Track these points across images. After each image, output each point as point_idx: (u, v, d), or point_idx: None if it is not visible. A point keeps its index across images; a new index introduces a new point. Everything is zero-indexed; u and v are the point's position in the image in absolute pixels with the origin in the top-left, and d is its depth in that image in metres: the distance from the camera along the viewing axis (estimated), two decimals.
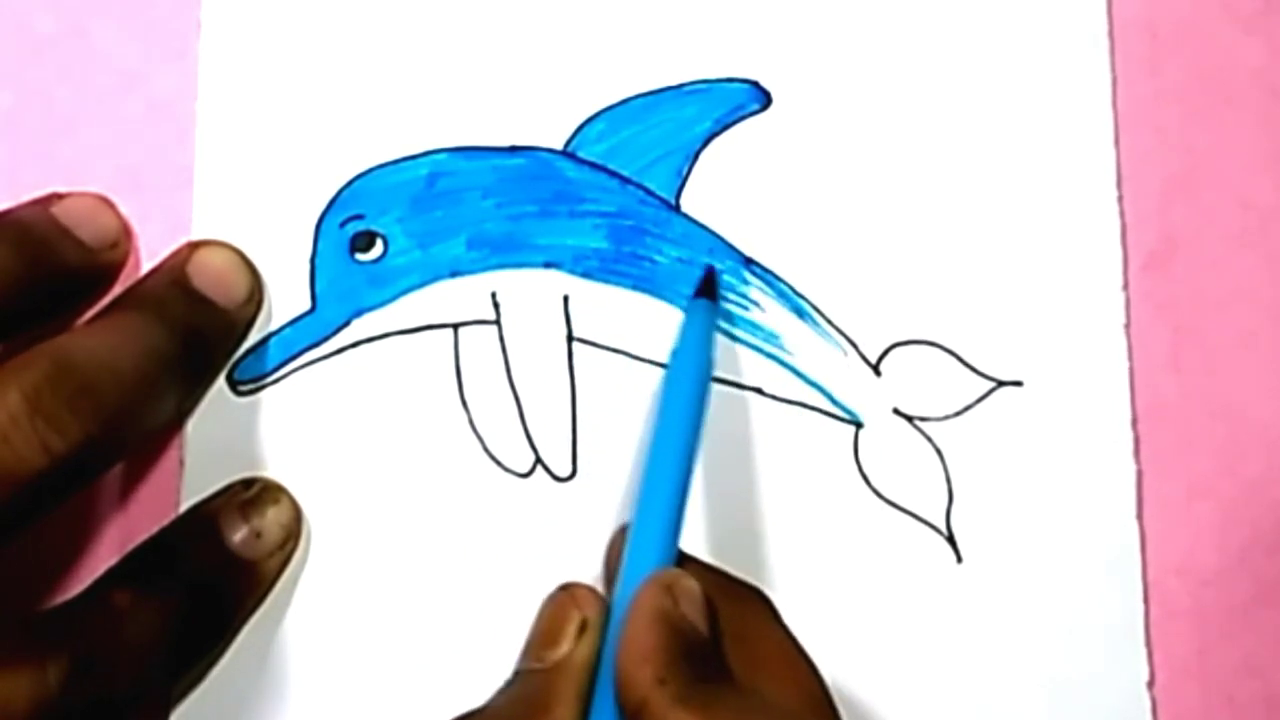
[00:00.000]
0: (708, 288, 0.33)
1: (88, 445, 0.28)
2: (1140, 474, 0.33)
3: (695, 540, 0.33)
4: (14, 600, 0.32)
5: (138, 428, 0.30)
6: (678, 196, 0.34)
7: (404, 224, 0.34)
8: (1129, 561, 0.33)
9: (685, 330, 0.33)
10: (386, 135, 0.34)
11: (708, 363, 0.32)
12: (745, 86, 0.34)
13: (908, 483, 0.33)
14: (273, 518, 0.32)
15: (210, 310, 0.32)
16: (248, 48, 0.34)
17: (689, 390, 0.31)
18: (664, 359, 0.34)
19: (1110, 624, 0.33)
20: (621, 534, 0.32)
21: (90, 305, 0.32)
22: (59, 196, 0.32)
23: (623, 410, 0.33)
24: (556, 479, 0.33)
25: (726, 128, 0.34)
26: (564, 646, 0.30)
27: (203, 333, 0.32)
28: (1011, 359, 0.34)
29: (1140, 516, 0.33)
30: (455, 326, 0.34)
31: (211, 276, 0.33)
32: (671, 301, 0.34)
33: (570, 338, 0.34)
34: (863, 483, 0.33)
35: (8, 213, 0.31)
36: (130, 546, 0.32)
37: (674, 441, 0.31)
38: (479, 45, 0.34)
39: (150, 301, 0.32)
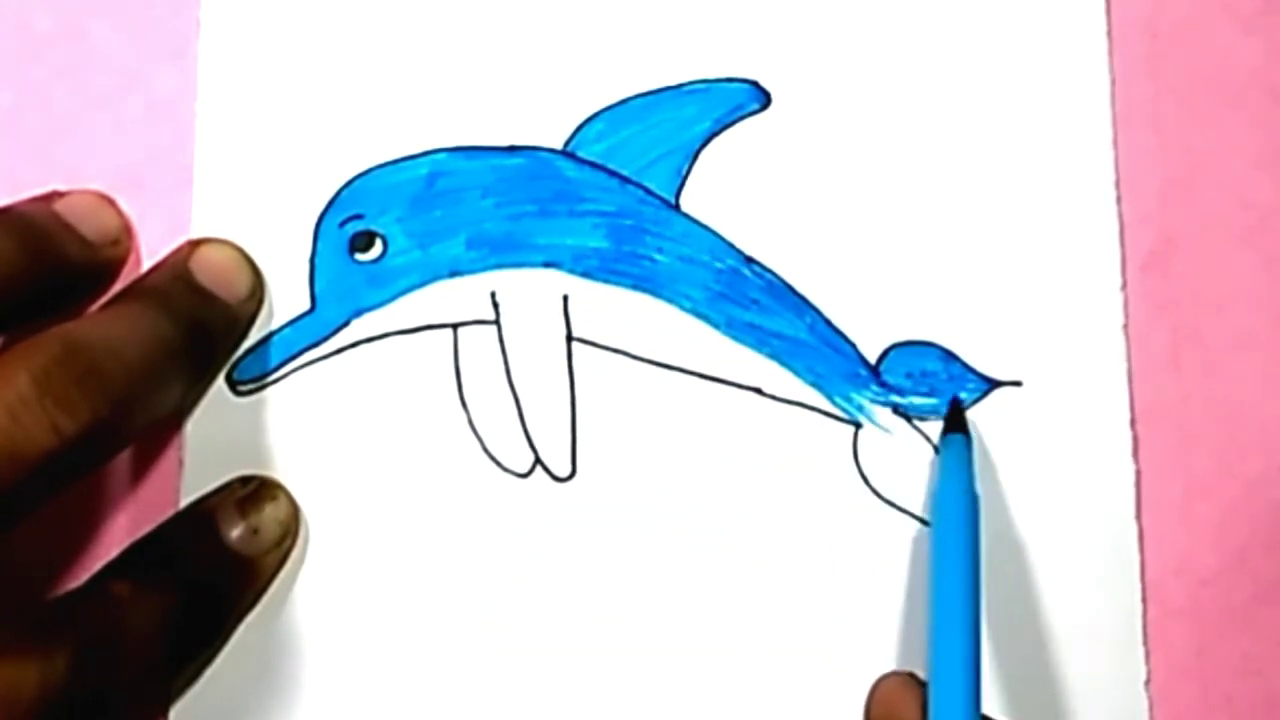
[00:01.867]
0: (957, 420, 0.33)
1: (96, 427, 0.28)
2: (1139, 474, 0.33)
3: (697, 541, 0.33)
4: (19, 590, 0.33)
5: (144, 414, 0.30)
6: (677, 196, 0.34)
7: (403, 224, 0.34)
8: (1128, 561, 0.33)
9: (944, 470, 0.32)
10: (386, 135, 0.34)
11: (974, 501, 0.31)
12: (745, 86, 0.34)
13: (907, 483, 0.33)
14: (270, 515, 0.32)
15: (213, 304, 0.32)
16: (247, 47, 0.34)
17: (962, 533, 0.30)
18: (663, 358, 0.34)
19: (1109, 624, 0.33)
20: (885, 683, 0.32)
21: (92, 302, 0.33)
22: (60, 194, 0.33)
23: (623, 410, 0.33)
24: (556, 479, 0.33)
25: (726, 127, 0.34)
26: None
27: (206, 325, 0.32)
28: (1011, 359, 0.34)
29: (1139, 516, 0.33)
30: (455, 326, 0.34)
31: (214, 272, 0.33)
32: (671, 301, 0.34)
33: (570, 337, 0.34)
34: (862, 483, 0.33)
35: (10, 207, 0.31)
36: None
37: (958, 593, 0.30)
38: (479, 45, 0.34)
39: (155, 293, 0.32)
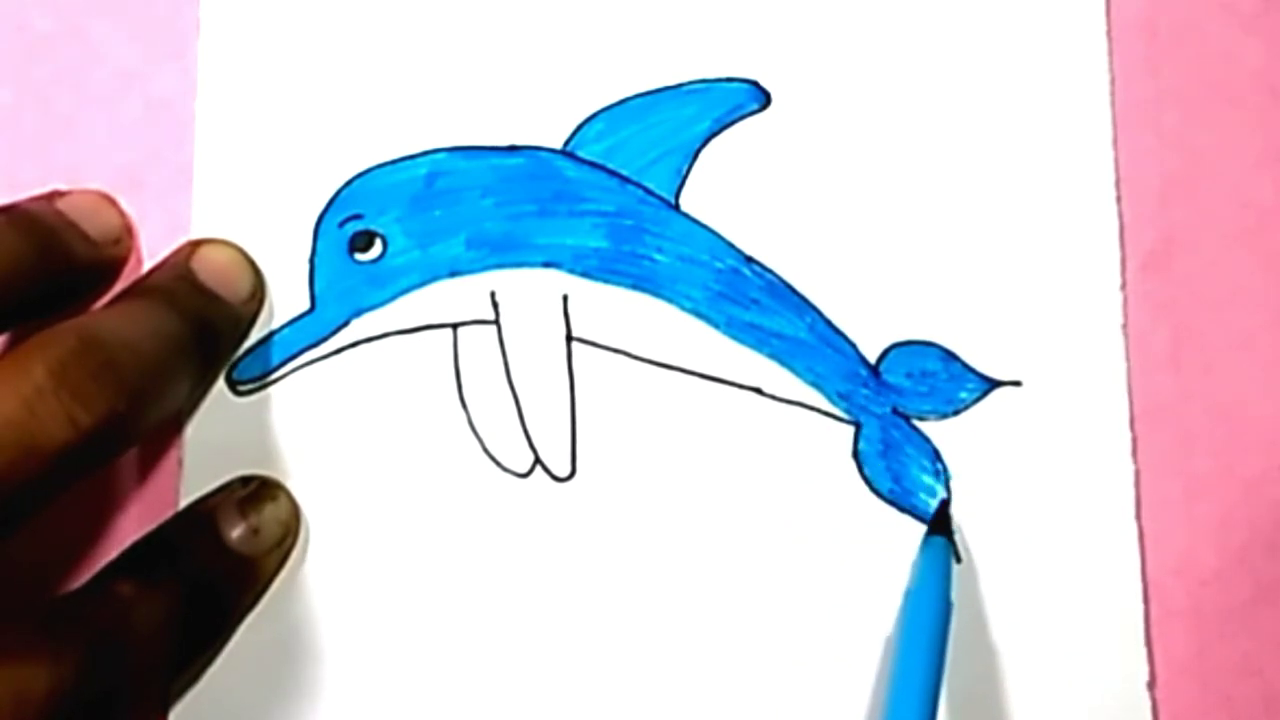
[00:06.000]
0: (942, 523, 0.33)
1: (112, 420, 0.28)
2: (1139, 474, 0.33)
3: (696, 541, 0.33)
4: (26, 589, 0.33)
5: (156, 409, 0.30)
6: (677, 196, 0.34)
7: (403, 224, 0.34)
8: (1128, 561, 0.33)
9: (922, 571, 0.32)
10: (385, 135, 0.34)
11: (947, 608, 0.31)
12: (745, 86, 0.34)
13: (908, 483, 0.33)
14: (270, 514, 0.32)
15: (216, 303, 0.32)
16: (247, 47, 0.34)
17: (928, 642, 0.30)
18: (663, 358, 0.34)
19: (1110, 624, 0.33)
20: None
21: (94, 301, 0.33)
22: (61, 193, 0.33)
23: (622, 410, 0.33)
24: (556, 479, 0.33)
25: (726, 127, 0.34)
26: None
27: (211, 324, 0.32)
28: (1010, 359, 0.34)
29: (1139, 516, 0.33)
30: (454, 326, 0.34)
31: (216, 272, 0.33)
32: (671, 301, 0.34)
33: (569, 337, 0.34)
34: (862, 483, 0.33)
35: (16, 204, 0.31)
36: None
37: (917, 694, 0.30)
38: (478, 45, 0.34)
39: (160, 291, 0.32)
